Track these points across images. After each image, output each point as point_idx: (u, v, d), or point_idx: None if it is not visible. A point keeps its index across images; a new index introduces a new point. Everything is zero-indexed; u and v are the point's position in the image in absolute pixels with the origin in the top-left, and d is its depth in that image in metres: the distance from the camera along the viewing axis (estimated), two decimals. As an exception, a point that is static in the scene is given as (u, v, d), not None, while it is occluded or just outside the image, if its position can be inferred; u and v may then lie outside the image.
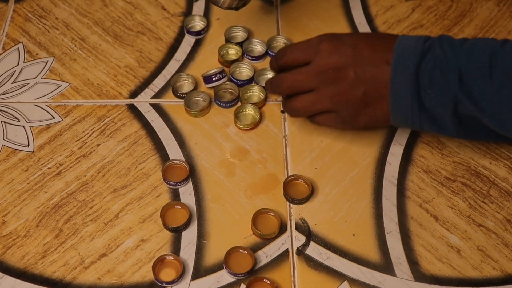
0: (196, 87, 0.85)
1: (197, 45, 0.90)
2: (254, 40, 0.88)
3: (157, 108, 0.83)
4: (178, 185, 0.76)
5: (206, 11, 0.93)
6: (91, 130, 0.81)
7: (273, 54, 0.87)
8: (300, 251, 0.72)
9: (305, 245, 0.72)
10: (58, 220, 0.74)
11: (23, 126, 0.81)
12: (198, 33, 0.90)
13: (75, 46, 0.89)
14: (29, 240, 0.72)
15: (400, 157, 0.79)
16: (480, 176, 0.77)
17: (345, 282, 0.70)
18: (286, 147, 0.80)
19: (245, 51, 0.88)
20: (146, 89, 0.85)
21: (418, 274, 0.70)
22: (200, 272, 0.70)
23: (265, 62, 0.87)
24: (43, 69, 0.87)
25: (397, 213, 0.75)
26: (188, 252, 0.72)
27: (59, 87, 0.85)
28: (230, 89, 0.84)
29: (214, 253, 0.72)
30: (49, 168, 0.78)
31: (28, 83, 0.86)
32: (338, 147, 0.80)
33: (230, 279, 0.70)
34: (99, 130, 0.81)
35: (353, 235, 0.73)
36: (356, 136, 0.80)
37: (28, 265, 0.71)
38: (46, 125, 0.82)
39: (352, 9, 0.94)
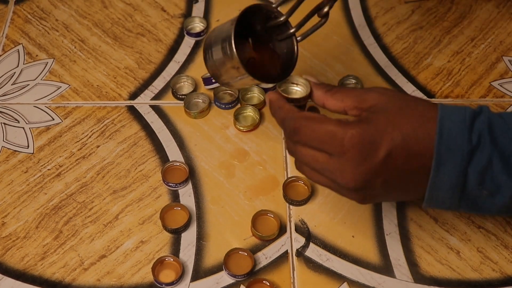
0: (195, 89, 0.85)
1: (196, 46, 0.90)
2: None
3: (157, 109, 0.83)
4: (178, 187, 0.76)
5: (206, 13, 0.93)
6: (91, 131, 0.81)
7: None
8: (300, 253, 0.72)
9: (305, 246, 0.72)
10: (58, 222, 0.74)
11: (23, 128, 0.81)
12: (198, 34, 0.90)
13: (75, 47, 0.89)
14: (28, 241, 0.72)
15: (400, 158, 0.79)
16: (480, 178, 0.77)
17: (345, 284, 0.70)
18: (285, 149, 0.80)
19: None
20: (146, 90, 0.85)
21: (418, 276, 0.70)
22: (199, 273, 0.70)
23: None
24: (42, 70, 0.87)
25: (397, 214, 0.75)
26: (187, 253, 0.72)
27: (58, 88, 0.85)
28: (230, 90, 0.84)
29: (214, 255, 0.72)
30: (48, 169, 0.78)
31: (28, 84, 0.86)
32: (337, 149, 0.80)
33: (229, 280, 0.70)
34: (99, 132, 0.81)
35: (353, 236, 0.73)
36: (355, 138, 0.80)
37: (28, 266, 0.71)
38: (46, 126, 0.82)
39: (351, 10, 0.94)
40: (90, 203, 0.75)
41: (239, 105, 0.83)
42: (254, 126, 0.81)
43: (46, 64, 0.88)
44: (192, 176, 0.77)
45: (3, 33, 0.91)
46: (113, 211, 0.75)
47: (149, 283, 0.70)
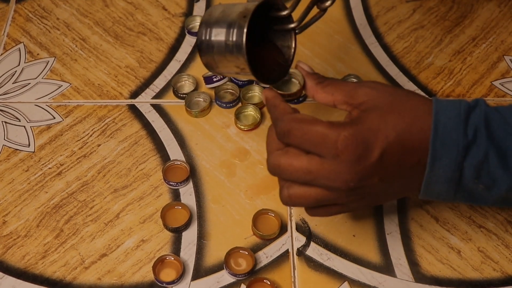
0: (196, 88, 0.85)
1: (198, 45, 0.90)
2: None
3: (158, 108, 0.83)
4: (179, 186, 0.76)
5: (207, 12, 0.93)
6: (92, 130, 0.81)
7: None
8: (301, 252, 0.72)
9: (306, 245, 0.72)
10: (59, 220, 0.74)
11: (24, 126, 0.81)
12: (199, 33, 0.90)
13: (76, 46, 0.89)
14: (29, 240, 0.73)
15: (401, 158, 0.79)
16: (481, 177, 0.77)
17: (345, 283, 0.70)
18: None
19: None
20: (147, 89, 0.85)
21: (419, 275, 0.70)
22: (200, 272, 0.70)
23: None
24: (44, 69, 0.87)
25: (398, 214, 0.75)
26: (188, 252, 0.72)
27: (60, 87, 0.85)
28: (231, 89, 0.84)
29: (215, 254, 0.72)
30: (49, 168, 0.78)
31: (29, 83, 0.86)
32: (338, 148, 0.79)
33: (230, 279, 0.70)
34: (100, 130, 0.81)
35: (354, 235, 0.73)
36: (356, 137, 0.80)
37: (29, 265, 0.71)
38: (47, 125, 0.82)
39: (353, 9, 0.94)
40: (91, 202, 0.75)
41: (240, 104, 0.83)
42: (255, 125, 0.81)
43: (47, 63, 0.88)
44: (193, 175, 0.77)
45: (4, 31, 0.91)
46: (114, 210, 0.75)
47: (149, 282, 0.70)
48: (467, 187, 0.61)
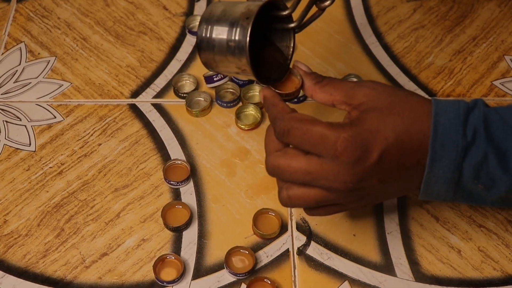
0: (197, 87, 0.85)
1: (198, 45, 0.90)
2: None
3: (159, 108, 0.83)
4: (179, 185, 0.76)
5: (208, 11, 0.93)
6: (93, 129, 0.81)
7: None
8: (301, 251, 0.72)
9: (306, 245, 0.72)
10: (59, 220, 0.74)
11: (25, 126, 0.82)
12: (199, 33, 0.90)
13: (77, 45, 0.89)
14: (30, 239, 0.73)
15: (401, 157, 0.79)
16: (481, 177, 0.77)
17: (346, 282, 0.70)
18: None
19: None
20: (148, 89, 0.85)
21: (419, 275, 0.70)
22: (200, 271, 0.71)
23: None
24: (44, 68, 0.87)
25: (398, 213, 0.75)
26: (189, 251, 0.72)
27: (60, 86, 0.85)
28: (232, 89, 0.84)
29: (215, 253, 0.72)
30: (50, 167, 0.78)
31: (30, 82, 0.86)
32: (339, 148, 0.79)
33: (230, 279, 0.70)
34: (101, 130, 0.81)
35: (354, 235, 0.73)
36: (357, 137, 0.80)
37: (29, 264, 0.71)
38: (48, 124, 0.82)
39: (353, 9, 0.94)
40: (91, 201, 0.75)
41: (240, 104, 0.83)
42: (256, 125, 0.81)
43: (48, 62, 0.88)
44: (193, 174, 0.77)
45: (5, 31, 0.91)
46: (114, 209, 0.75)
47: (150, 281, 0.70)
48: (467, 187, 0.62)
